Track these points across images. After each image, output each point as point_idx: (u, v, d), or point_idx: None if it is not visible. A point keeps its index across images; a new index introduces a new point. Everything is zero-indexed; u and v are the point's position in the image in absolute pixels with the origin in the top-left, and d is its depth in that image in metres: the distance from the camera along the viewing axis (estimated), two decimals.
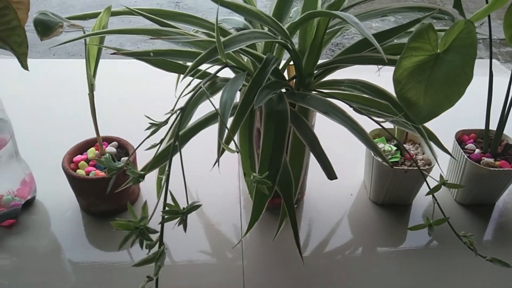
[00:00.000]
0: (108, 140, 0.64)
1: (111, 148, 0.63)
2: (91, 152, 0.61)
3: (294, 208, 0.46)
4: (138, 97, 0.90)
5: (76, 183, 0.59)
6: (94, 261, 0.56)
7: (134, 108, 0.87)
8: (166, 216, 0.32)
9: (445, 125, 0.64)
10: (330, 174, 0.43)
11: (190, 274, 0.56)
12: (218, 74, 0.44)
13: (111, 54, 0.42)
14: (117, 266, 0.56)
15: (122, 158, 0.62)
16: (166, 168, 0.35)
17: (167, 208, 0.32)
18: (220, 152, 0.37)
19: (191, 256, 0.58)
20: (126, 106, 0.87)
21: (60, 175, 0.64)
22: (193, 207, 0.32)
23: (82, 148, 0.63)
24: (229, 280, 0.55)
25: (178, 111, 0.37)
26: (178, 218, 0.32)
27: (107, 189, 0.59)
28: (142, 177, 0.35)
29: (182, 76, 0.50)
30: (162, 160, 0.49)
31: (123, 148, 0.63)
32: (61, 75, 0.97)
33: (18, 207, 0.60)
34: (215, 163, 0.37)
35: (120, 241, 0.32)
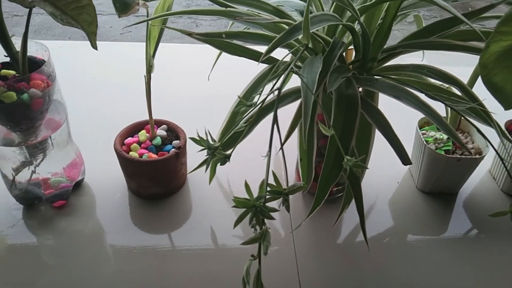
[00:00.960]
0: (157, 123, 0.64)
1: (161, 131, 0.62)
2: (143, 134, 0.61)
3: (362, 194, 0.46)
4: (183, 81, 0.90)
5: (129, 165, 0.58)
6: (141, 244, 0.57)
7: (180, 91, 0.87)
8: (268, 196, 0.31)
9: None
10: (405, 159, 0.42)
11: (237, 259, 0.56)
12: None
13: (187, 35, 0.41)
14: (162, 249, 0.56)
15: (174, 142, 0.61)
16: (267, 150, 0.34)
17: (269, 188, 0.32)
18: (307, 135, 0.37)
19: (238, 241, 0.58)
20: (172, 89, 0.87)
21: (108, 157, 0.65)
22: (296, 188, 0.32)
23: (131, 130, 0.63)
24: (283, 264, 0.55)
25: (275, 91, 0.36)
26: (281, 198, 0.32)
27: (160, 171, 0.59)
28: (228, 157, 0.35)
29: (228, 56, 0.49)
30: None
31: (173, 132, 0.63)
32: (112, 58, 0.96)
33: (69, 189, 0.60)
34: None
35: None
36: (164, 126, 0.64)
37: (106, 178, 0.65)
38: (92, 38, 0.44)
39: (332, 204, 0.63)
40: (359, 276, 0.54)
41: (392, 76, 0.49)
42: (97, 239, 0.57)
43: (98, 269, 0.54)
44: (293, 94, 0.52)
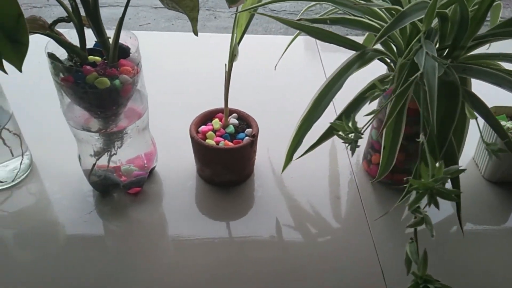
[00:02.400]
0: (229, 111, 0.64)
1: (233, 120, 0.63)
2: (216, 123, 0.61)
3: (459, 181, 0.46)
4: (247, 71, 0.89)
5: (206, 152, 0.59)
6: (212, 232, 0.57)
7: (244, 81, 0.86)
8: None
9: None
10: (509, 147, 0.42)
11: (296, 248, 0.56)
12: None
13: (297, 20, 0.41)
14: (232, 237, 0.57)
15: (247, 130, 0.61)
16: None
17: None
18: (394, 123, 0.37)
19: (319, 227, 0.59)
20: (241, 78, 0.86)
21: (178, 145, 0.65)
22: (457, 171, 0.31)
23: (204, 119, 0.63)
24: (363, 254, 0.56)
25: (417, 75, 0.36)
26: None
27: (235, 159, 0.60)
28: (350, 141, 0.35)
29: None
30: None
31: (244, 120, 0.63)
32: (181, 48, 0.96)
33: (145, 176, 0.60)
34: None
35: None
36: (234, 114, 0.64)
37: (177, 165, 0.65)
38: (194, 24, 0.44)
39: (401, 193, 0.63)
40: (435, 262, 0.55)
41: (482, 65, 0.48)
42: (168, 226, 0.58)
43: (167, 256, 0.54)
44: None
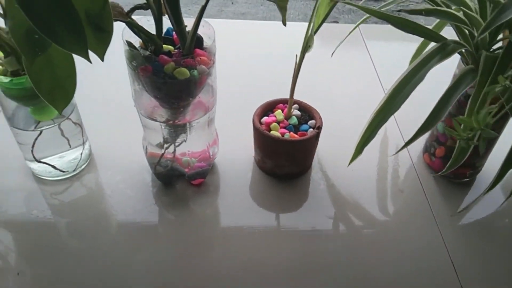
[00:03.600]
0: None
1: (296, 111, 0.62)
2: (279, 114, 0.60)
3: None
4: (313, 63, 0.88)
5: (271, 144, 0.58)
6: (271, 223, 0.57)
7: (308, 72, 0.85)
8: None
9: None
10: None
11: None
12: None
13: (397, 11, 0.40)
14: (290, 229, 0.56)
15: (310, 121, 0.61)
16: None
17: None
18: None
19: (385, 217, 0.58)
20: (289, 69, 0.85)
21: (236, 134, 0.64)
22: None
23: (265, 109, 0.62)
24: (431, 248, 0.55)
25: None
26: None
27: (300, 151, 0.59)
28: (471, 139, 0.34)
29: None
30: None
31: (306, 112, 0.62)
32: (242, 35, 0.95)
33: (208, 168, 0.60)
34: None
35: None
36: (296, 105, 0.63)
37: (235, 156, 0.64)
38: (283, 13, 0.42)
39: (464, 187, 0.63)
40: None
41: None
42: (229, 217, 0.57)
43: (225, 247, 0.54)
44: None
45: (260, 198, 0.60)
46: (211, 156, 0.59)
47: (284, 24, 0.43)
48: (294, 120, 0.60)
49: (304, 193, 0.61)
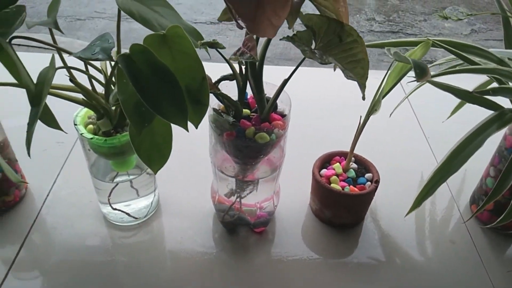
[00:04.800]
0: (344, 155, 0.67)
1: (353, 164, 0.66)
2: (338, 167, 0.64)
3: None
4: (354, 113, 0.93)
5: (332, 197, 0.62)
6: (328, 272, 0.60)
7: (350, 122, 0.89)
8: None
9: None
10: None
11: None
12: None
13: (469, 93, 0.44)
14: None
15: (367, 175, 0.65)
16: None
17: None
18: None
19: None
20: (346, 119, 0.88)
21: (294, 184, 0.68)
22: None
23: (323, 161, 0.66)
24: None
25: None
26: None
27: (360, 203, 0.63)
28: None
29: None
30: None
31: (361, 165, 0.66)
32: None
33: (270, 217, 0.64)
34: None
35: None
36: (352, 158, 0.67)
37: (293, 205, 0.68)
38: (362, 90, 0.47)
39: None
40: None
41: None
42: (284, 264, 0.61)
43: None
44: None
45: (316, 246, 0.63)
46: (275, 207, 0.63)
47: (363, 99, 0.47)
48: (352, 173, 0.64)
49: (357, 241, 0.64)
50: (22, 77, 0.43)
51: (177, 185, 0.71)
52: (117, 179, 0.61)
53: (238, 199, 0.60)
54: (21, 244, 0.61)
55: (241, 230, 0.64)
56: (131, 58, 0.44)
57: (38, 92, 0.43)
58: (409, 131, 0.87)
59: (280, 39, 0.45)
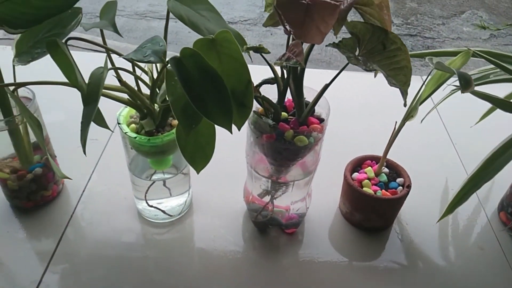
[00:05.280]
0: (376, 159, 0.68)
1: (385, 169, 0.66)
2: (370, 171, 0.65)
3: None
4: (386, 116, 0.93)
5: (363, 200, 0.63)
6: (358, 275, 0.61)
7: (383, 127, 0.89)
8: None
9: None
10: None
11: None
12: None
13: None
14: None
15: (398, 179, 0.65)
16: None
17: None
18: None
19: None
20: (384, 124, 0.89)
21: (325, 186, 0.69)
22: None
23: (355, 165, 0.67)
24: None
25: None
26: None
27: (391, 207, 0.63)
28: None
29: None
30: None
31: (393, 169, 0.67)
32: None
33: (301, 219, 0.65)
34: None
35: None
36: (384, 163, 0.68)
37: (323, 207, 0.69)
38: (404, 97, 0.48)
39: None
40: None
41: None
42: (315, 265, 0.62)
43: None
44: None
45: (344, 249, 0.64)
46: (307, 209, 0.64)
47: (405, 105, 0.48)
48: (384, 178, 0.65)
49: (384, 245, 0.65)
50: (77, 77, 0.45)
51: (210, 184, 0.72)
52: (154, 177, 0.62)
53: (271, 200, 0.61)
54: (59, 239, 0.63)
55: (271, 230, 0.66)
56: (182, 61, 0.46)
57: (92, 92, 0.45)
58: (436, 136, 0.87)
59: (326, 46, 0.46)
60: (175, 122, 0.58)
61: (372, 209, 0.63)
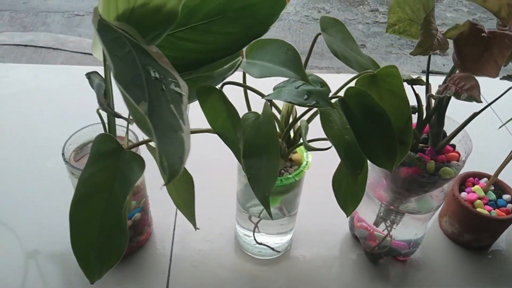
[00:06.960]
0: (478, 176, 0.66)
1: (491, 186, 0.65)
2: (479, 190, 0.64)
3: None
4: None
5: (477, 221, 0.61)
6: None
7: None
8: None
9: None
10: None
11: None
12: None
13: None
14: None
15: (505, 196, 0.64)
16: None
17: None
18: None
19: None
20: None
21: None
22: None
23: (459, 183, 0.65)
24: None
25: None
26: None
27: (505, 227, 0.62)
28: None
29: None
30: None
31: (497, 186, 0.66)
32: None
33: (416, 248, 0.62)
34: None
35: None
36: (484, 179, 0.66)
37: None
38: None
39: None
40: None
41: None
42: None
43: None
44: None
45: (455, 271, 0.62)
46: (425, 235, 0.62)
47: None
48: (493, 196, 0.63)
49: (491, 263, 0.64)
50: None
51: (310, 213, 0.68)
52: (262, 214, 0.58)
53: (388, 230, 0.59)
54: (166, 285, 0.58)
55: (382, 259, 0.63)
56: (345, 101, 0.42)
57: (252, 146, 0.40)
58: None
59: (501, 79, 0.44)
60: (295, 156, 0.54)
61: (485, 229, 0.62)
